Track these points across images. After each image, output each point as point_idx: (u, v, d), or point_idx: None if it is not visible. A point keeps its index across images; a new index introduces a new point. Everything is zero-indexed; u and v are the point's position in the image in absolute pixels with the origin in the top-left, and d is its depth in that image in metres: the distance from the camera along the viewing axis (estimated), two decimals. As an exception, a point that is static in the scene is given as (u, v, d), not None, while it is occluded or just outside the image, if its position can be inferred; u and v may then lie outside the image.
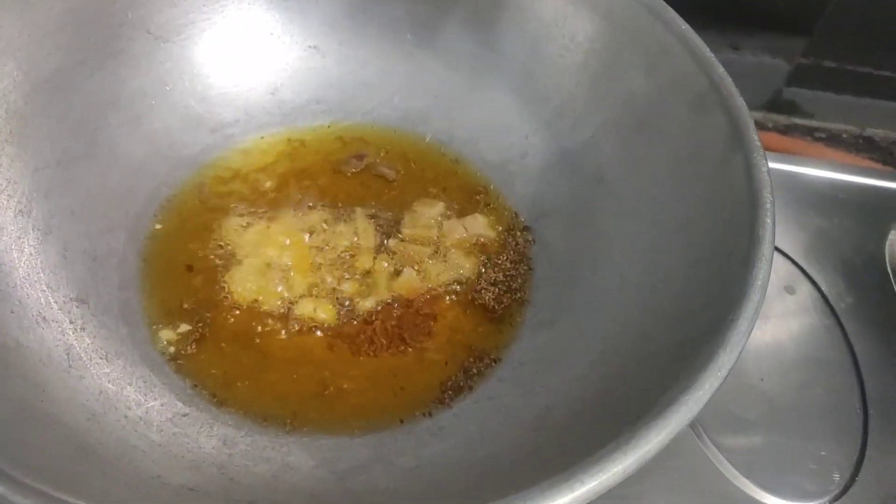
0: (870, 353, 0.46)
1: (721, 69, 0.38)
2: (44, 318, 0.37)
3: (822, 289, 0.49)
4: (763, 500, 0.40)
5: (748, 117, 0.36)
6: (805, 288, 0.49)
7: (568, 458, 0.26)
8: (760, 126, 0.75)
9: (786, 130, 0.76)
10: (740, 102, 0.36)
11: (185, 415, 0.37)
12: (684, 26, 0.40)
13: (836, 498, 0.41)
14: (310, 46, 0.51)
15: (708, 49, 0.39)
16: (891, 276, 0.50)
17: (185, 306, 0.42)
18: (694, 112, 0.38)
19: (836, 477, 0.41)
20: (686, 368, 0.28)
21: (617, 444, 0.25)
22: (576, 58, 0.45)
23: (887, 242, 0.51)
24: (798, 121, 0.75)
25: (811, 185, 0.56)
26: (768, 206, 0.32)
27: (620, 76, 0.43)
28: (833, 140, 0.75)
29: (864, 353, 0.46)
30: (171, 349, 0.40)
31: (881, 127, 0.75)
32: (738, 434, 0.43)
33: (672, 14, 0.40)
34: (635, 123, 0.42)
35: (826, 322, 0.48)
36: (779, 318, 0.48)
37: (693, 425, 0.43)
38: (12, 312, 0.36)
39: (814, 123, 0.75)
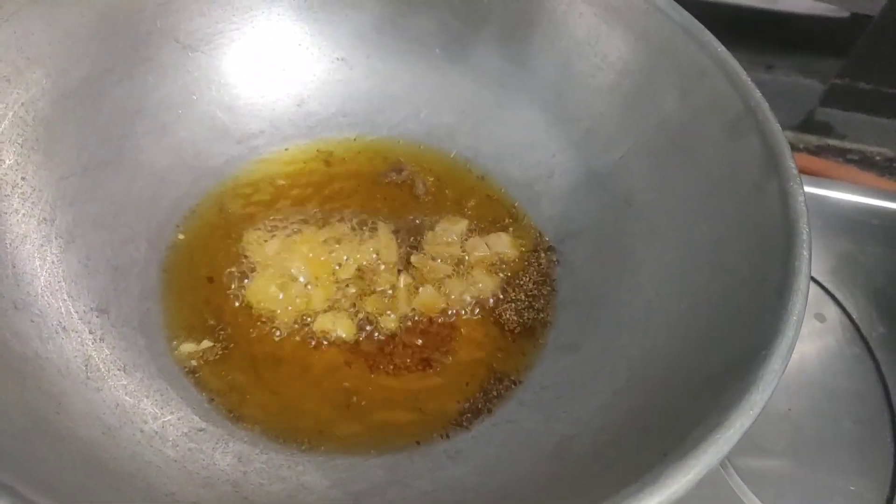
0: (903, 385, 0.45)
1: (758, 93, 0.37)
2: (64, 328, 0.37)
3: (854, 316, 0.48)
4: (789, 537, 0.39)
5: (784, 143, 0.35)
6: (835, 315, 0.48)
7: (589, 492, 0.25)
8: (792, 146, 0.73)
9: (818, 151, 0.74)
10: (776, 128, 0.35)
11: (201, 430, 0.37)
12: (720, 48, 0.39)
13: (866, 537, 0.40)
14: (338, 59, 0.51)
15: (744, 72, 0.38)
16: (925, 307, 0.49)
17: (205, 319, 0.41)
18: (729, 136, 0.38)
19: (867, 515, 0.40)
20: (716, 404, 0.27)
21: (643, 483, 0.24)
22: (608, 78, 0.45)
23: (922, 272, 0.49)
24: (831, 142, 0.74)
25: (842, 209, 0.54)
26: (805, 236, 0.31)
27: (654, 98, 0.42)
28: (865, 162, 0.74)
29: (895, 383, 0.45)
30: (190, 362, 0.40)
31: (916, 151, 0.73)
32: (763, 464, 0.41)
33: (709, 36, 0.40)
34: (668, 146, 0.41)
35: (856, 351, 0.46)
36: (808, 345, 0.46)
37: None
38: (32, 322, 0.36)
39: (846, 145, 0.74)
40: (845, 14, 0.65)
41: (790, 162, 0.34)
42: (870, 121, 0.72)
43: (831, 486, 0.41)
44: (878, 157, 0.74)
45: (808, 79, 0.70)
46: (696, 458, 0.25)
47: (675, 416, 0.30)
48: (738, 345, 0.30)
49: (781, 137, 0.35)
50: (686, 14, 0.40)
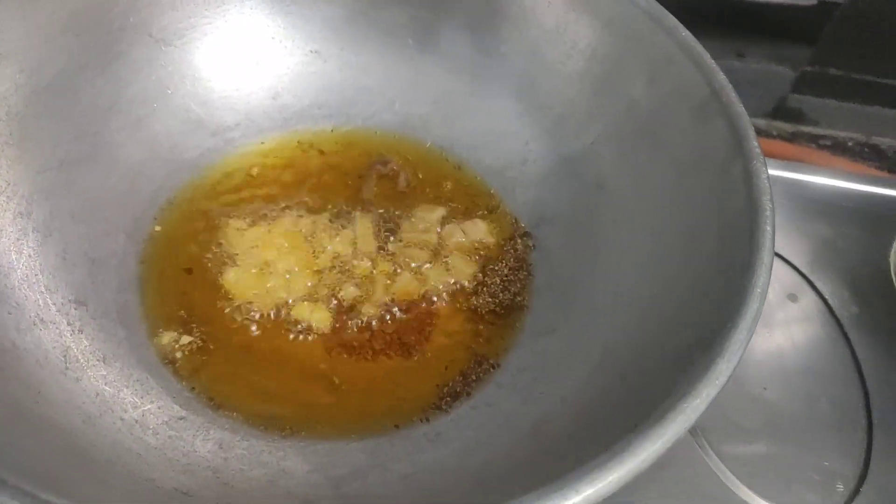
0: (874, 363, 0.46)
1: (722, 77, 0.38)
2: (42, 319, 0.37)
3: (826, 298, 0.49)
4: (764, 511, 0.40)
5: (748, 125, 0.36)
6: (809, 296, 0.49)
7: (565, 467, 0.26)
8: (765, 133, 0.74)
9: (791, 138, 0.75)
10: (741, 110, 0.36)
11: (181, 418, 0.37)
12: (685, 33, 0.40)
13: (839, 509, 0.40)
14: (311, 51, 0.51)
15: (709, 56, 0.39)
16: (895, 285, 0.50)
17: (184, 309, 0.42)
18: (695, 120, 0.38)
19: (840, 488, 0.41)
20: (684, 376, 0.28)
21: (613, 452, 0.25)
22: (577, 65, 0.45)
23: (892, 251, 0.50)
24: (803, 128, 0.75)
25: (816, 194, 0.55)
26: (768, 212, 0.32)
27: (622, 84, 0.43)
28: (838, 148, 0.75)
29: (869, 363, 0.46)
30: (169, 353, 0.40)
31: (887, 135, 0.74)
32: (740, 443, 0.42)
33: (674, 21, 0.40)
34: (637, 131, 0.42)
35: (830, 331, 0.47)
36: (782, 326, 0.47)
37: (695, 434, 0.42)
38: (9, 314, 0.36)
39: (819, 131, 0.75)
40: (813, 1, 0.66)
41: (754, 142, 0.35)
42: (841, 106, 0.73)
43: (806, 462, 0.42)
44: (850, 143, 0.75)
45: (779, 66, 0.71)
46: (665, 427, 0.25)
47: (646, 391, 0.31)
48: (706, 320, 0.31)
49: (746, 119, 0.36)
50: (651, 0, 0.41)
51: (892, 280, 0.49)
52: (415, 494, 0.34)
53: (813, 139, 0.75)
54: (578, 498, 0.24)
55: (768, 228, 0.31)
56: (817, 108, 0.74)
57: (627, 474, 0.24)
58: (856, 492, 0.41)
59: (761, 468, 0.41)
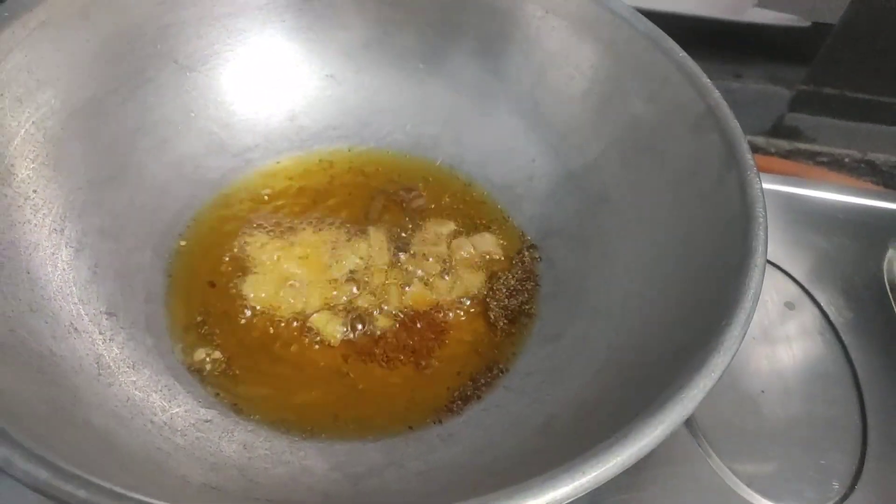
0: (869, 366, 0.48)
1: (717, 93, 0.40)
2: (75, 329, 0.40)
3: (822, 305, 0.51)
4: (764, 508, 0.41)
5: (742, 138, 0.38)
6: (805, 305, 0.51)
7: (568, 456, 0.28)
8: (763, 151, 0.77)
9: (788, 155, 0.78)
10: (735, 124, 0.38)
11: (207, 421, 0.39)
12: (682, 54, 0.42)
13: (837, 506, 0.42)
14: (327, 75, 0.54)
15: (705, 75, 0.41)
16: (889, 293, 0.51)
17: (207, 319, 0.44)
18: (692, 134, 0.41)
19: (836, 485, 0.43)
20: (683, 371, 0.30)
21: (616, 438, 0.27)
22: (581, 85, 0.48)
23: (885, 260, 0.52)
24: (800, 146, 0.77)
25: (811, 206, 0.57)
26: (760, 219, 0.34)
27: (623, 102, 0.45)
28: (835, 164, 0.77)
29: (863, 366, 0.48)
30: (194, 361, 0.42)
31: (882, 151, 0.76)
32: (740, 444, 0.44)
33: (671, 43, 0.43)
34: (637, 146, 0.44)
35: (826, 337, 0.49)
36: (779, 333, 0.49)
37: (696, 436, 0.44)
38: (46, 323, 0.38)
39: (816, 148, 0.77)
40: (807, 23, 0.68)
41: (747, 154, 0.37)
42: (836, 124, 0.76)
43: (804, 461, 0.44)
44: (846, 159, 0.78)
45: (776, 86, 0.74)
46: (664, 415, 0.27)
47: (647, 386, 0.33)
48: (703, 320, 0.33)
49: (739, 133, 0.38)
50: (649, 23, 0.44)
51: (885, 287, 0.51)
52: (429, 489, 0.36)
53: (810, 156, 0.77)
54: (585, 479, 0.26)
55: (761, 234, 0.33)
56: (814, 126, 0.76)
57: (630, 458, 0.26)
58: (851, 489, 0.43)
59: (760, 468, 0.43)
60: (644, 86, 0.44)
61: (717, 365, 0.29)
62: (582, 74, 0.48)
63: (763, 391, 0.46)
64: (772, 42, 0.70)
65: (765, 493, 0.42)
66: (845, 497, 0.42)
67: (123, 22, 0.46)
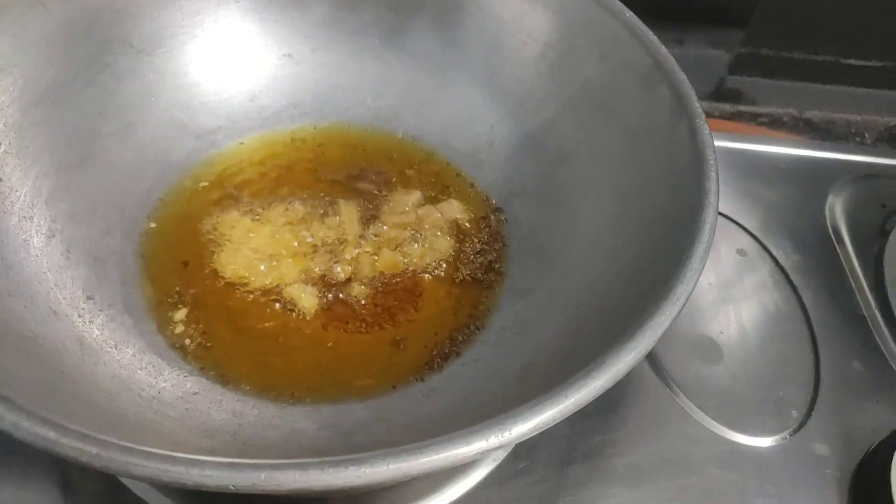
0: (817, 303, 0.51)
1: (664, 49, 0.42)
2: (54, 312, 0.40)
3: (771, 250, 0.54)
4: (730, 437, 0.44)
5: (689, 89, 0.40)
6: (755, 251, 0.54)
7: (548, 391, 0.29)
8: (708, 115, 0.79)
9: (731, 117, 0.81)
10: (682, 76, 0.41)
11: (195, 393, 0.40)
12: (629, 14, 0.44)
13: (795, 431, 0.45)
14: (284, 55, 0.54)
15: (651, 33, 0.43)
16: (831, 236, 0.55)
17: (183, 297, 0.44)
18: (642, 89, 0.43)
19: (794, 413, 0.46)
20: (649, 302, 0.32)
21: (595, 363, 0.29)
22: (534, 51, 0.50)
23: (826, 205, 0.56)
24: (742, 108, 0.81)
25: (756, 160, 0.61)
26: (711, 161, 0.36)
27: (576, 64, 0.47)
28: (775, 123, 0.81)
29: (813, 304, 0.51)
30: (175, 337, 0.43)
31: (818, 108, 0.80)
32: (703, 382, 0.47)
33: (618, 5, 0.45)
34: (592, 105, 0.46)
35: (776, 279, 0.52)
36: (733, 278, 0.52)
37: (662, 377, 0.46)
38: (25, 307, 0.38)
39: (756, 109, 0.81)
40: (741, -14, 0.72)
41: (695, 104, 0.40)
42: (774, 84, 0.79)
43: (763, 394, 0.47)
44: (785, 118, 0.82)
45: (716, 50, 0.77)
46: (636, 341, 0.29)
47: (617, 324, 0.35)
48: (664, 261, 0.35)
49: (687, 84, 0.41)
50: (597, -13, 0.46)
51: (828, 230, 0.54)
52: (416, 439, 0.37)
53: (752, 117, 0.81)
54: (568, 402, 0.28)
55: (713, 174, 0.36)
56: (753, 87, 0.80)
57: (609, 380, 0.28)
58: (808, 415, 0.46)
59: (724, 401, 0.46)
60: (595, 47, 0.46)
61: (680, 294, 0.31)
62: (534, 40, 0.50)
63: (721, 332, 0.49)
64: (711, 6, 0.73)
65: (730, 425, 0.45)
66: (802, 424, 0.45)
67: (78, 7, 0.46)
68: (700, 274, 0.32)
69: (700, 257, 0.32)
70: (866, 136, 0.79)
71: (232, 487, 0.25)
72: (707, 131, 0.38)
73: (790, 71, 0.78)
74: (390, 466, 0.26)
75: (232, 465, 0.25)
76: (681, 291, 0.31)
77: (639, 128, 0.43)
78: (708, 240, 0.33)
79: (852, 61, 0.77)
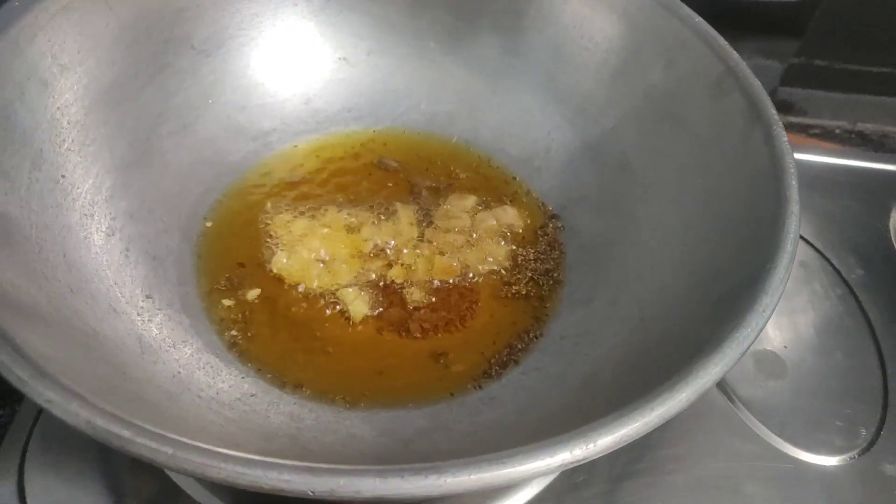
0: (882, 317, 0.49)
1: (735, 55, 0.41)
2: (114, 310, 0.40)
3: (834, 263, 0.52)
4: (797, 456, 0.43)
5: (765, 95, 0.39)
6: (817, 263, 0.53)
7: (620, 404, 0.28)
8: (757, 125, 0.78)
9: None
10: (756, 82, 0.40)
11: (252, 395, 0.39)
12: (698, 19, 0.43)
13: (865, 451, 0.43)
14: (340, 58, 0.54)
15: (721, 38, 0.42)
16: (896, 248, 0.54)
17: (241, 299, 0.44)
18: (713, 96, 0.42)
19: (863, 431, 0.44)
20: (732, 314, 0.31)
21: (679, 376, 0.28)
22: (595, 57, 0.49)
23: (891, 219, 0.54)
24: (793, 119, 0.79)
25: (814, 171, 0.59)
26: (792, 169, 0.35)
27: (640, 70, 0.46)
28: (826, 136, 0.79)
29: (877, 317, 0.49)
30: (231, 338, 0.42)
31: (871, 121, 0.79)
32: (768, 398, 0.45)
33: (686, 9, 0.44)
34: (656, 113, 0.45)
35: (839, 292, 0.51)
36: (796, 290, 0.51)
37: (725, 391, 0.45)
38: (86, 304, 0.38)
39: (808, 121, 0.79)
40: (797, -3, 0.70)
41: (771, 110, 0.38)
42: (827, 96, 0.78)
43: (830, 410, 0.45)
44: (837, 130, 0.80)
45: (768, 60, 0.75)
46: (723, 353, 0.28)
47: (691, 335, 0.34)
48: (741, 270, 0.34)
49: (762, 90, 0.39)
50: (662, -10, 0.45)
51: (891, 244, 0.53)
52: (479, 448, 0.36)
53: (803, 129, 0.79)
54: (653, 415, 0.27)
55: (794, 183, 0.35)
56: (805, 98, 0.78)
57: (694, 394, 0.27)
58: (877, 434, 0.44)
59: (789, 418, 0.44)
60: (661, 53, 0.45)
61: (766, 305, 0.30)
62: (596, 46, 0.49)
63: (786, 346, 0.48)
64: (764, 16, 0.72)
65: (796, 443, 0.43)
66: (872, 443, 0.44)
67: (141, 6, 0.46)
68: (785, 285, 0.31)
69: (785, 267, 0.31)
70: (921, 149, 0.77)
71: (310, 493, 0.24)
72: (785, 139, 0.37)
73: (843, 82, 0.76)
74: (472, 476, 0.25)
75: (311, 470, 0.25)
76: (767, 303, 0.30)
77: (708, 136, 0.42)
78: (792, 250, 0.32)
79: (908, 73, 0.75)
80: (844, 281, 0.51)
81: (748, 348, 0.29)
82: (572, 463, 0.26)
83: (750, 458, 0.43)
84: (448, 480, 0.25)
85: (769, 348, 0.48)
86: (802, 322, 0.49)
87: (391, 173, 0.52)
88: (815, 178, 0.58)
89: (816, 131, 0.79)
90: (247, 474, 0.25)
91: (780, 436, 0.44)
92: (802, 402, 0.45)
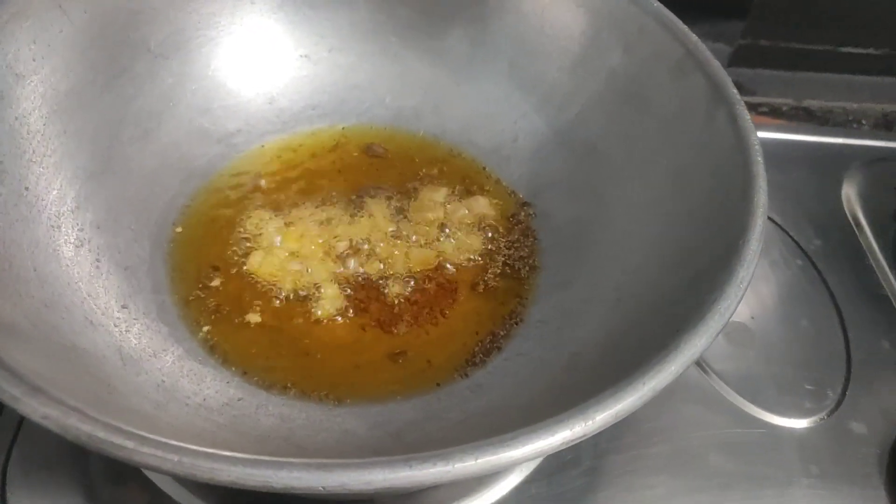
0: (842, 284, 0.52)
1: (694, 37, 0.43)
2: (91, 322, 0.39)
3: (792, 234, 0.54)
4: (770, 420, 0.45)
5: (726, 76, 0.40)
6: (777, 235, 0.55)
7: (610, 379, 0.29)
8: (708, 106, 0.80)
9: (731, 108, 0.82)
10: (716, 64, 0.41)
11: (239, 399, 0.39)
12: (655, 4, 0.44)
13: (832, 412, 0.46)
14: (301, 56, 0.54)
15: (680, 21, 0.43)
16: (849, 219, 0.56)
17: (217, 302, 0.44)
18: (674, 78, 0.43)
19: (830, 393, 0.46)
20: (710, 287, 0.32)
21: (668, 350, 0.29)
22: (556, 44, 0.50)
23: (842, 190, 0.57)
24: (743, 98, 0.81)
25: (765, 147, 0.61)
26: (757, 146, 0.37)
27: (600, 56, 0.47)
28: (774, 113, 0.82)
29: (837, 284, 0.52)
30: (211, 343, 0.42)
31: (815, 97, 0.82)
32: (739, 368, 0.47)
33: (642, -6, 0.45)
34: (619, 96, 0.46)
35: (800, 263, 0.53)
36: (760, 262, 0.52)
37: (700, 365, 0.47)
38: (62, 318, 0.37)
39: (756, 100, 0.82)
40: (741, -21, 0.72)
41: (733, 90, 0.40)
42: (773, 75, 0.80)
43: (798, 375, 0.47)
44: (784, 108, 0.83)
45: (717, 42, 0.77)
46: (707, 325, 0.29)
47: (670, 311, 0.35)
48: (715, 245, 0.35)
49: (722, 71, 0.41)
50: (621, -22, 0.46)
51: (845, 214, 0.55)
52: (472, 435, 0.37)
53: (752, 107, 0.82)
54: (646, 388, 0.28)
55: (759, 159, 0.36)
56: (753, 77, 0.81)
57: (683, 365, 0.28)
58: (843, 395, 0.46)
59: (761, 385, 0.46)
60: (620, 38, 0.46)
61: (742, 278, 0.31)
62: (556, 33, 0.50)
63: (753, 317, 0.49)
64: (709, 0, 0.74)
65: (768, 407, 0.45)
66: (839, 404, 0.46)
67: (94, 10, 0.45)
68: (758, 257, 0.32)
69: (757, 240, 0.33)
70: (864, 123, 0.80)
71: (321, 489, 0.25)
72: (748, 117, 0.38)
73: (788, 61, 0.79)
74: (478, 461, 0.25)
75: (320, 466, 0.25)
76: (743, 275, 0.31)
77: (672, 116, 0.43)
78: (762, 223, 0.33)
79: (849, 49, 0.78)
80: (804, 251, 0.53)
81: (729, 319, 0.30)
82: (572, 440, 0.26)
83: (726, 426, 0.45)
84: (456, 466, 0.25)
85: (738, 320, 0.49)
86: (766, 293, 0.51)
87: (361, 169, 0.52)
88: (767, 155, 0.59)
89: (765, 109, 0.82)
90: (256, 475, 0.25)
91: (753, 402, 0.45)
92: (772, 370, 0.47)
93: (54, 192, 0.42)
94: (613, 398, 0.27)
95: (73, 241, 0.42)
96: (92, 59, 0.45)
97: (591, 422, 0.27)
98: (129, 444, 0.25)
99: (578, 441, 0.27)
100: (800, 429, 0.45)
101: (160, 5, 0.48)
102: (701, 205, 0.39)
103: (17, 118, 0.41)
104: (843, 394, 0.46)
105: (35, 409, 0.25)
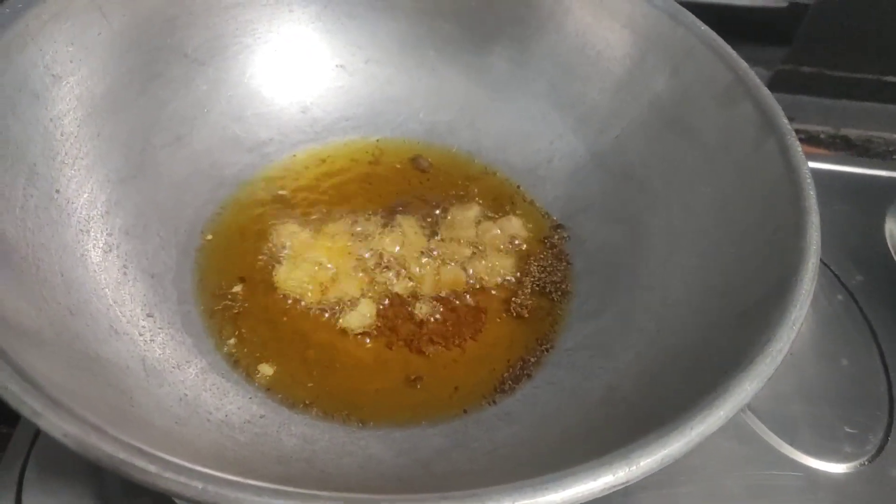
0: (884, 322, 0.50)
1: (744, 63, 0.41)
2: (115, 331, 0.38)
3: (833, 269, 0.53)
4: (807, 464, 0.43)
5: (776, 105, 0.39)
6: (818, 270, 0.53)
7: (653, 420, 0.28)
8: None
9: (767, 134, 0.80)
10: (766, 92, 0.40)
11: (262, 416, 0.38)
12: (704, 27, 0.43)
13: (874, 457, 0.44)
14: (337, 66, 0.53)
15: (729, 46, 0.42)
16: (893, 254, 0.54)
17: (244, 315, 0.43)
18: (721, 105, 0.42)
19: (871, 438, 0.44)
20: (761, 328, 0.30)
21: (716, 393, 0.27)
22: (598, 66, 0.48)
23: (886, 224, 0.55)
24: (779, 124, 0.80)
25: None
26: (809, 179, 0.35)
27: (644, 79, 0.46)
28: (812, 141, 0.80)
29: (879, 322, 0.50)
30: (235, 357, 0.41)
31: (855, 126, 0.80)
32: (777, 406, 0.45)
33: (691, 17, 0.44)
34: (662, 121, 0.45)
35: (840, 298, 0.51)
36: (798, 298, 0.51)
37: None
38: (87, 326, 0.37)
39: (794, 126, 0.79)
40: (784, 3, 0.71)
41: (784, 120, 0.38)
42: (813, 101, 0.79)
43: (838, 417, 0.45)
44: (822, 135, 0.81)
45: (755, 67, 0.76)
46: (758, 367, 0.28)
47: (715, 349, 0.33)
48: (764, 282, 0.34)
49: (773, 100, 0.39)
50: (669, -1, 0.45)
51: (888, 248, 0.53)
52: (501, 466, 0.35)
53: (788, 134, 0.80)
54: (693, 433, 0.26)
55: (812, 194, 0.35)
56: (791, 104, 0.79)
57: (731, 410, 0.27)
58: (885, 439, 0.44)
59: (799, 426, 0.45)
60: (666, 62, 0.45)
61: (796, 318, 0.30)
62: (599, 55, 0.48)
63: (791, 354, 0.47)
64: (750, 23, 0.72)
65: (807, 451, 0.43)
66: (881, 449, 0.44)
67: (133, 13, 0.45)
68: (811, 296, 0.31)
69: (811, 279, 0.31)
70: (905, 153, 0.78)
71: (350, 525, 0.23)
72: (799, 149, 0.37)
73: (830, 88, 0.78)
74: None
75: (350, 502, 0.24)
76: (796, 316, 0.30)
77: (718, 144, 0.42)
78: (815, 261, 0.32)
79: (891, 78, 0.76)
80: (844, 286, 0.52)
81: (780, 362, 0.29)
82: (615, 486, 0.25)
83: (761, 467, 0.43)
84: (491, 508, 0.24)
85: (775, 356, 0.47)
86: (805, 328, 0.49)
87: (393, 183, 0.51)
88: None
89: (802, 136, 0.80)
90: (284, 508, 0.23)
91: (790, 444, 0.44)
92: (810, 410, 0.45)
93: (85, 196, 0.41)
94: (658, 442, 0.26)
95: (101, 246, 0.41)
96: (128, 63, 0.45)
97: (634, 467, 0.25)
98: (153, 468, 0.24)
99: (621, 487, 0.25)
100: (838, 474, 0.43)
101: (198, 11, 0.48)
102: (747, 238, 0.37)
103: (51, 119, 0.40)
104: (886, 439, 0.44)
105: (56, 426, 0.25)
